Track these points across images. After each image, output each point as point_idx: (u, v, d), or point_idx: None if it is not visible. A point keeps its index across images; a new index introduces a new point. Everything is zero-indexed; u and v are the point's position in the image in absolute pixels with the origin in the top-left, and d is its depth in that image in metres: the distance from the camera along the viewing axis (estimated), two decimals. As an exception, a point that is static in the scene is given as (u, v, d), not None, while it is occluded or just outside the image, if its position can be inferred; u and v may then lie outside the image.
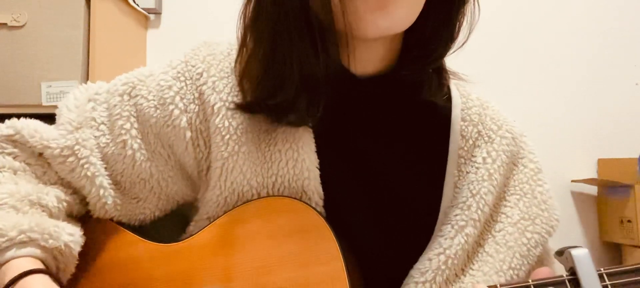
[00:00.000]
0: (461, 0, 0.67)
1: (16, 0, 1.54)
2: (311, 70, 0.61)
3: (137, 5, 1.89)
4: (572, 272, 0.52)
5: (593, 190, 2.00)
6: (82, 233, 0.67)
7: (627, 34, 2.05)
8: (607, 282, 0.50)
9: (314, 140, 0.67)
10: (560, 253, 0.55)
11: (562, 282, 0.52)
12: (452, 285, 0.66)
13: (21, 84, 1.53)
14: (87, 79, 1.56)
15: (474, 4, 0.68)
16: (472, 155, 0.72)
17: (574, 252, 0.52)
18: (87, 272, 0.68)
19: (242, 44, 0.66)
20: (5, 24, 1.53)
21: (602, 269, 0.51)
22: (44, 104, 1.52)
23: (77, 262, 0.65)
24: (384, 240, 0.69)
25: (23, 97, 1.53)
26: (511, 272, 0.67)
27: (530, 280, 0.54)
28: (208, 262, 0.64)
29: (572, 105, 2.03)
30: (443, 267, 0.65)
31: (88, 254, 0.68)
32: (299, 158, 0.65)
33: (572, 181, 1.97)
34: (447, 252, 0.66)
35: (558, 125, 2.01)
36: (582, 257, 0.51)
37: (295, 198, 0.65)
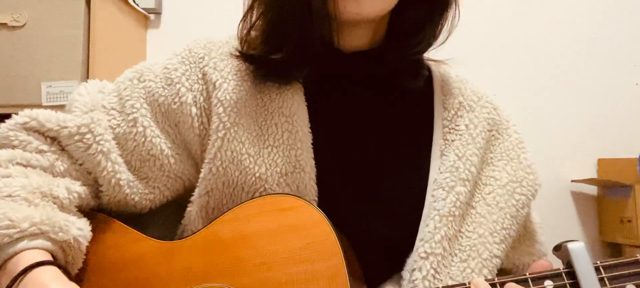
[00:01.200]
0: (444, 5, 0.75)
1: (16, 0, 1.54)
2: (307, 39, 0.69)
3: (137, 5, 1.89)
4: (569, 265, 0.52)
5: (593, 190, 1.99)
6: (90, 229, 0.68)
7: (627, 34, 2.05)
8: (603, 274, 0.50)
9: (307, 115, 0.72)
10: (557, 248, 0.55)
11: (559, 275, 0.52)
12: (452, 242, 0.69)
13: (21, 84, 1.53)
14: (87, 79, 1.55)
15: (455, 8, 0.76)
16: (456, 125, 0.77)
17: (570, 245, 0.52)
18: (92, 268, 0.69)
19: (250, 8, 0.74)
20: (5, 24, 1.53)
21: (598, 262, 0.51)
22: (44, 104, 1.52)
23: (84, 257, 0.67)
24: (376, 212, 0.72)
25: (23, 97, 1.53)
26: (504, 232, 0.71)
27: (527, 274, 0.54)
28: (211, 259, 0.65)
29: (572, 105, 2.03)
30: (439, 225, 0.68)
31: (94, 251, 0.69)
32: (293, 130, 0.70)
33: (572, 181, 1.97)
34: (441, 211, 0.69)
35: (558, 125, 2.01)
36: (579, 250, 0.51)
37: (296, 196, 0.67)
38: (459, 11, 0.76)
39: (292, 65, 0.71)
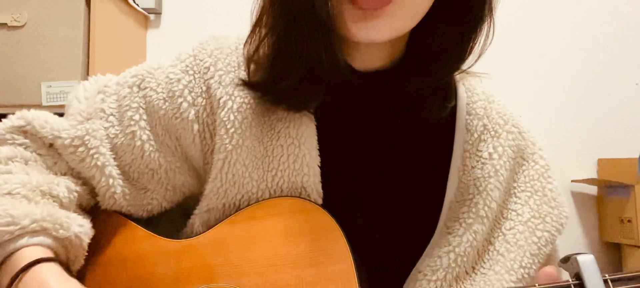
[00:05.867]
0: (477, 19, 0.64)
1: (16, 0, 1.53)
2: (317, 62, 0.63)
3: (137, 5, 1.88)
4: (578, 277, 0.52)
5: (593, 190, 2.00)
6: (91, 226, 0.67)
7: (627, 34, 2.06)
8: (613, 288, 0.50)
9: (316, 137, 0.68)
10: (565, 260, 0.55)
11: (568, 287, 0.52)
12: (463, 281, 0.67)
13: (21, 84, 1.53)
14: (87, 79, 1.56)
15: (489, 24, 0.64)
16: (478, 150, 0.71)
17: (580, 258, 0.52)
18: (96, 265, 0.68)
19: (255, 27, 0.67)
20: (5, 24, 1.53)
21: (607, 275, 0.51)
22: (44, 104, 1.52)
23: (86, 254, 0.66)
24: (385, 235, 0.70)
25: (23, 97, 1.54)
26: (522, 270, 0.68)
27: (536, 285, 0.54)
28: (219, 259, 0.65)
29: (572, 105, 2.03)
30: (453, 265, 0.66)
31: (98, 248, 0.69)
32: (299, 154, 0.66)
33: (572, 181, 1.97)
34: (457, 249, 0.67)
35: (558, 125, 2.02)
36: (588, 263, 0.51)
37: (304, 199, 0.66)
38: (494, 27, 0.64)
39: (302, 93, 0.65)
